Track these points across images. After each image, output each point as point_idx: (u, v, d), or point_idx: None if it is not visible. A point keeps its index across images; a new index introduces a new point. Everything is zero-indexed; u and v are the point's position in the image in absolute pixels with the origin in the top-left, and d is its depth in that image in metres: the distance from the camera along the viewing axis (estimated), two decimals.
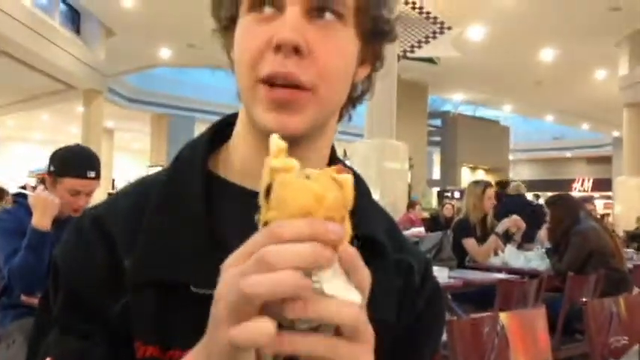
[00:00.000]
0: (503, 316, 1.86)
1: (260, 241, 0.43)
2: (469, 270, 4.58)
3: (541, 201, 15.87)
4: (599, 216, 7.96)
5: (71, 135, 20.39)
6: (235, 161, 0.72)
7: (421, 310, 0.73)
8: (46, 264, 2.17)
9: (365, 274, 0.45)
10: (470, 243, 4.79)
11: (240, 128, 0.72)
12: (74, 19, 12.71)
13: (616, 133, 21.32)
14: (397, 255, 0.72)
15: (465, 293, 4.02)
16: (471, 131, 19.79)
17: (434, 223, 8.93)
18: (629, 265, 4.86)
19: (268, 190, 0.44)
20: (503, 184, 10.27)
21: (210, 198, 0.67)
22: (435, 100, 21.08)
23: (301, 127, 0.64)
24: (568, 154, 28.20)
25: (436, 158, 22.16)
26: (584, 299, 2.22)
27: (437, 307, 0.79)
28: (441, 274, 3.77)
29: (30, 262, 2.15)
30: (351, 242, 0.61)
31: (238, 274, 0.42)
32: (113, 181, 18.02)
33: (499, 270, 4.57)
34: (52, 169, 2.37)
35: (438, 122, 20.01)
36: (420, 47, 8.67)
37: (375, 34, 0.68)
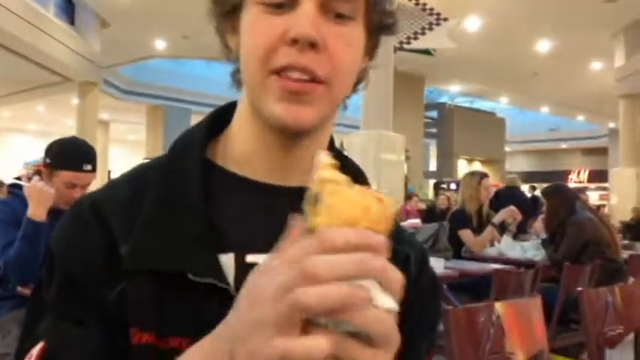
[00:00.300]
0: (498, 306, 1.86)
1: (308, 248, 0.44)
2: (465, 260, 4.60)
3: (537, 192, 15.92)
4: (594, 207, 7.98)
5: (66, 127, 20.32)
6: (234, 151, 0.72)
7: (418, 301, 0.73)
8: (41, 255, 2.17)
9: (398, 281, 0.45)
10: (466, 234, 4.80)
11: (239, 118, 0.72)
12: (68, 10, 12.63)
13: (612, 125, 21.36)
14: (395, 246, 0.71)
15: (461, 283, 4.03)
16: (468, 123, 19.79)
17: (430, 214, 8.96)
18: (625, 255, 4.88)
19: (315, 198, 0.47)
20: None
21: (208, 186, 0.67)
22: (432, 92, 21.06)
23: (313, 120, 0.64)
24: (564, 145, 28.25)
25: (432, 150, 22.17)
26: (579, 289, 2.22)
27: (434, 297, 0.80)
28: (437, 264, 3.78)
29: (25, 253, 2.15)
30: None
31: (287, 283, 0.43)
32: (109, 172, 18.00)
33: (495, 260, 4.58)
34: (48, 161, 2.36)
35: (434, 114, 20.00)
36: (416, 39, 8.65)
37: (381, 27, 0.70)
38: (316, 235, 0.44)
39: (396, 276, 0.45)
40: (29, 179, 2.38)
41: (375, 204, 0.45)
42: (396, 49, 8.22)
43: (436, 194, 14.87)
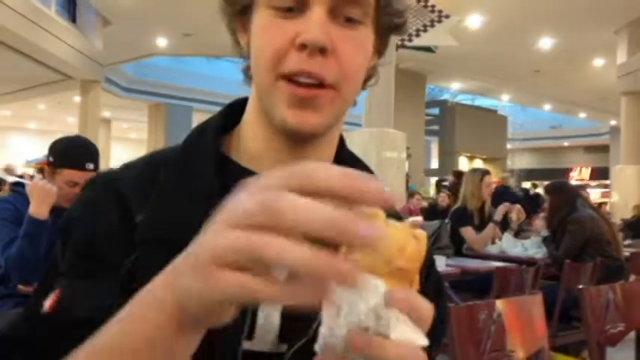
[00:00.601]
0: (500, 304, 1.87)
1: (287, 180, 0.39)
2: (466, 258, 4.60)
3: (539, 190, 15.90)
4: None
5: (68, 125, 20.33)
6: (246, 146, 0.73)
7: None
8: (43, 253, 2.17)
9: (428, 314, 0.43)
10: (468, 231, 4.80)
11: (249, 116, 0.73)
12: (70, 8, 12.62)
13: (613, 122, 21.32)
14: None
15: (463, 281, 4.03)
16: (469, 120, 19.77)
17: (431, 211, 8.95)
18: (626, 253, 4.88)
19: None
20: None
21: (220, 178, 0.68)
22: (433, 89, 21.05)
23: (321, 124, 0.66)
24: (566, 142, 28.21)
25: (434, 147, 22.15)
26: (580, 287, 2.23)
27: (440, 299, 0.80)
28: (439, 262, 3.79)
29: (27, 251, 2.16)
30: None
31: (251, 224, 0.38)
32: None
33: (496, 258, 4.59)
34: (50, 159, 2.37)
35: (436, 111, 19.98)
36: (418, 36, 8.63)
37: (390, 28, 0.71)
38: (300, 168, 0.40)
39: (426, 306, 0.42)
40: (32, 177, 2.39)
41: (411, 241, 0.44)
42: (397, 47, 8.21)
43: (438, 192, 14.88)
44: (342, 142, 0.78)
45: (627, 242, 6.49)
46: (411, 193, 9.64)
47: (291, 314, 0.67)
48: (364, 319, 0.41)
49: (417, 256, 0.44)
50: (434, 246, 4.45)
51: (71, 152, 2.38)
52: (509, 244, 4.87)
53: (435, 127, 19.83)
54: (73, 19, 12.65)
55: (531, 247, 4.82)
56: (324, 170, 0.38)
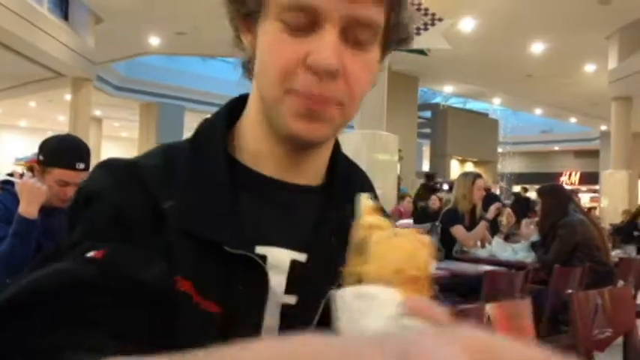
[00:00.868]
0: (489, 307, 1.88)
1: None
2: (456, 261, 4.61)
3: (529, 194, 15.96)
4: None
5: (59, 123, 20.24)
6: (247, 145, 0.73)
7: None
8: (32, 252, 2.16)
9: (443, 318, 0.40)
10: (458, 229, 4.81)
11: (251, 114, 0.74)
12: (62, 5, 12.56)
13: (603, 127, 21.46)
14: None
15: (452, 284, 4.05)
16: (461, 124, 19.85)
17: (422, 214, 8.96)
18: (614, 258, 4.91)
19: (362, 246, 0.48)
20: (429, 177, 10.37)
21: (230, 177, 0.69)
22: (426, 92, 21.10)
23: (326, 135, 0.68)
24: (556, 147, 28.36)
25: (425, 150, 22.20)
26: (569, 291, 2.24)
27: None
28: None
29: (16, 250, 2.14)
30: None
31: None
32: None
33: (486, 261, 4.60)
34: (41, 158, 2.34)
35: (428, 114, 20.04)
36: (409, 18, 8.65)
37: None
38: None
39: (441, 311, 0.39)
40: (21, 176, 2.37)
41: (420, 249, 0.46)
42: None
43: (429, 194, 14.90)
44: (337, 145, 0.80)
45: (616, 250, 6.53)
46: (402, 196, 9.66)
47: (290, 314, 0.68)
48: (379, 328, 0.41)
49: (426, 264, 0.46)
50: None
51: (62, 151, 2.36)
52: (499, 248, 4.89)
53: (427, 130, 19.89)
54: (65, 16, 12.58)
55: (521, 251, 4.84)
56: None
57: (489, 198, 7.22)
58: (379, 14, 0.64)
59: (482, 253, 4.86)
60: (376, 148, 8.31)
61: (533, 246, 4.72)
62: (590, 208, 13.33)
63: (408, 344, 0.29)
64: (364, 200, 0.51)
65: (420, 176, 19.31)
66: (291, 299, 0.69)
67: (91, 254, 0.57)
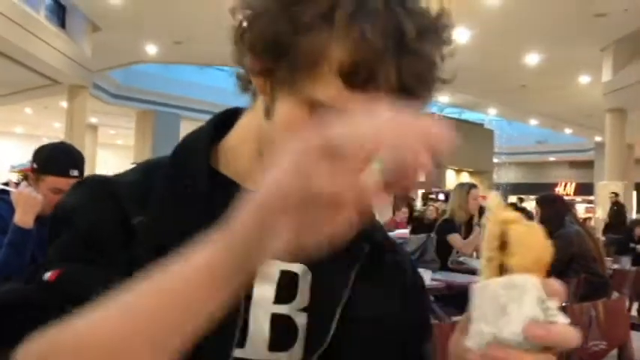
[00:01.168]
0: None
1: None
2: (452, 272, 4.61)
3: (525, 204, 15.97)
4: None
5: (54, 130, 20.20)
6: (236, 162, 0.73)
7: (414, 304, 0.79)
8: (27, 261, 2.15)
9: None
10: (455, 237, 4.82)
11: (243, 133, 0.73)
12: (59, 13, 12.57)
13: (598, 138, 21.54)
14: (393, 255, 0.78)
15: (448, 295, 4.04)
16: (456, 133, 19.85)
17: (418, 224, 8.96)
18: (608, 270, 4.91)
19: (501, 239, 0.52)
20: None
21: (212, 191, 0.69)
22: None
23: None
24: (551, 157, 28.44)
25: None
26: (563, 304, 2.24)
27: (425, 299, 0.87)
28: (425, 275, 3.79)
29: (10, 260, 2.13)
30: (362, 246, 0.71)
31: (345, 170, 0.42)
32: None
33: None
34: (35, 165, 2.34)
35: None
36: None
37: None
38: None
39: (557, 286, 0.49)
40: (17, 185, 2.36)
41: (546, 237, 0.51)
42: None
43: (424, 204, 14.92)
44: None
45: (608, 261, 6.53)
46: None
47: (280, 324, 0.69)
48: (533, 312, 0.47)
49: (552, 251, 0.51)
50: (420, 260, 4.46)
51: (55, 159, 2.35)
52: None
53: None
54: (62, 24, 12.59)
55: None
56: None
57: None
58: None
59: (478, 264, 4.85)
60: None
61: None
62: (585, 219, 13.35)
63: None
64: (494, 197, 0.54)
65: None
66: (282, 309, 0.69)
67: (47, 275, 0.62)
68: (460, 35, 12.30)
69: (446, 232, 4.86)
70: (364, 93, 0.58)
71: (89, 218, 0.66)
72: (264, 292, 0.69)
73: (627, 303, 4.77)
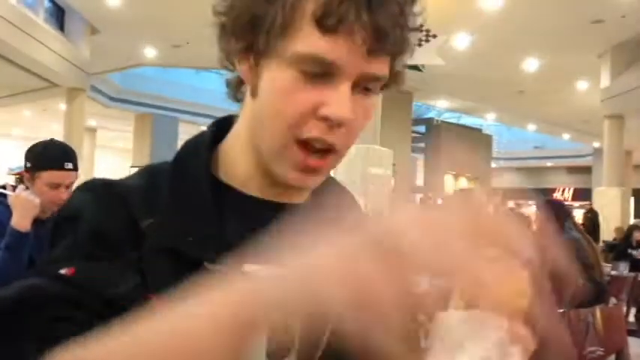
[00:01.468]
0: None
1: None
2: None
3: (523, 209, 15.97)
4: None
5: (53, 132, 20.05)
6: (234, 169, 0.74)
7: None
8: (25, 265, 2.14)
9: (533, 347, 0.47)
10: None
11: (240, 141, 0.74)
12: (58, 16, 12.58)
13: (596, 144, 21.59)
14: None
15: None
16: (455, 139, 19.91)
17: None
18: (606, 277, 4.91)
19: None
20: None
21: (214, 199, 0.70)
22: (420, 107, 21.18)
23: (318, 183, 0.70)
24: (549, 163, 28.47)
25: (419, 164, 22.25)
26: (561, 310, 2.24)
27: None
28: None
29: (8, 263, 2.12)
30: None
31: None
32: None
33: None
34: (28, 165, 2.33)
35: (422, 129, 20.09)
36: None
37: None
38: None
39: (532, 340, 0.47)
40: (14, 188, 2.35)
41: (525, 278, 0.48)
42: None
43: None
44: None
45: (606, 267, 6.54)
46: None
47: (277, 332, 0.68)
48: (488, 354, 0.44)
49: (528, 292, 0.48)
50: None
51: (48, 154, 2.35)
52: None
53: (421, 145, 19.93)
54: (60, 26, 12.60)
55: None
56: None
57: None
58: (387, 67, 0.66)
59: None
60: (370, 162, 8.32)
61: None
62: (583, 224, 13.37)
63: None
64: None
65: (415, 191, 19.35)
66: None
67: (62, 271, 0.61)
68: (459, 41, 12.34)
69: None
70: (341, 37, 0.61)
71: (97, 218, 0.66)
72: None
73: (625, 309, 4.78)
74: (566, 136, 23.95)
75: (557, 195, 26.94)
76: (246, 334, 0.46)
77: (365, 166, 8.21)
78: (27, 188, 2.30)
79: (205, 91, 19.32)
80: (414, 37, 0.68)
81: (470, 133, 21.49)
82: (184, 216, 0.67)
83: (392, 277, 0.41)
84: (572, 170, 27.83)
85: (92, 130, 21.20)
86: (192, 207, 0.68)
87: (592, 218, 12.59)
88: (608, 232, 12.15)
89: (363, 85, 0.65)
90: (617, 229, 11.49)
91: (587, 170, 25.03)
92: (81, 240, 0.64)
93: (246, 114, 0.73)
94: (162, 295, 0.61)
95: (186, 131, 20.29)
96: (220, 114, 0.81)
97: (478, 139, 21.67)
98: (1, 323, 0.55)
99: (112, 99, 18.22)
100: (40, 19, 11.47)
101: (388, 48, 0.64)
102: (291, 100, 0.64)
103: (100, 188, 0.70)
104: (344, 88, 0.63)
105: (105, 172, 20.46)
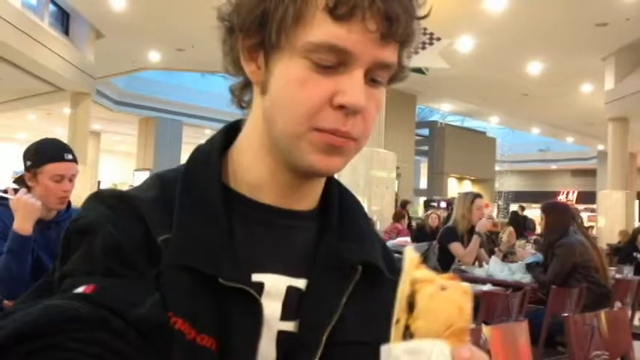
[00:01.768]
0: (486, 330, 1.87)
1: None
2: None
3: (527, 212, 15.96)
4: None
5: (57, 136, 20.06)
6: (245, 176, 0.73)
7: None
8: (28, 268, 2.15)
9: None
10: (455, 246, 4.82)
11: (251, 146, 0.73)
12: (63, 20, 12.63)
13: (600, 147, 21.54)
14: (390, 276, 0.75)
15: None
16: (459, 141, 19.92)
17: (420, 232, 8.96)
18: (611, 280, 4.88)
19: (411, 301, 0.48)
20: (403, 204, 10.45)
21: (227, 209, 0.69)
22: (423, 110, 21.20)
23: (342, 167, 0.69)
24: (553, 166, 28.44)
25: (423, 167, 22.25)
26: (565, 314, 2.23)
27: None
28: None
29: (11, 267, 2.12)
30: (355, 269, 0.70)
31: None
32: (99, 183, 17.88)
33: (483, 282, 4.58)
34: (28, 163, 2.32)
35: (425, 132, 20.10)
36: (409, 58, 8.72)
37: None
38: None
39: (485, 357, 0.48)
40: (16, 192, 2.35)
41: (467, 301, 0.48)
42: None
43: (426, 212, 14.92)
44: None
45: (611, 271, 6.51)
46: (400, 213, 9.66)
47: (285, 341, 0.68)
48: None
49: (471, 313, 0.48)
50: None
51: (46, 148, 2.35)
52: (496, 268, 4.87)
53: (425, 147, 19.94)
54: (65, 31, 12.65)
55: (518, 272, 4.82)
56: None
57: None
58: (396, 55, 0.67)
59: (479, 272, 4.84)
60: (374, 165, 8.33)
61: (529, 267, 4.70)
62: (587, 227, 13.33)
63: None
64: (409, 254, 0.51)
65: (418, 194, 19.35)
66: (288, 326, 0.68)
67: (80, 289, 0.59)
68: (463, 44, 12.34)
69: (448, 239, 4.85)
70: (354, 24, 0.61)
71: (114, 232, 0.64)
72: (272, 309, 0.67)
73: (630, 313, 4.76)
74: (570, 139, 23.91)
75: (561, 198, 26.90)
76: None
77: (369, 169, 8.23)
78: (29, 191, 2.30)
79: (209, 95, 19.35)
80: (418, 28, 0.69)
81: (474, 136, 21.50)
82: (196, 231, 0.66)
83: None
84: (577, 173, 27.79)
85: (97, 134, 21.27)
86: (204, 221, 0.67)
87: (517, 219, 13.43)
88: (612, 235, 12.11)
89: (373, 75, 0.66)
90: (622, 232, 11.45)
91: (591, 173, 24.99)
92: (98, 255, 0.62)
93: (256, 116, 0.72)
94: (181, 314, 0.61)
95: (191, 135, 20.37)
96: (225, 117, 0.81)
97: (482, 142, 21.67)
98: (25, 346, 0.52)
99: (116, 103, 18.28)
100: (45, 24, 11.51)
101: (400, 33, 0.64)
102: (306, 91, 0.64)
103: (113, 200, 0.68)
104: (358, 74, 0.64)
105: (109, 176, 20.48)
